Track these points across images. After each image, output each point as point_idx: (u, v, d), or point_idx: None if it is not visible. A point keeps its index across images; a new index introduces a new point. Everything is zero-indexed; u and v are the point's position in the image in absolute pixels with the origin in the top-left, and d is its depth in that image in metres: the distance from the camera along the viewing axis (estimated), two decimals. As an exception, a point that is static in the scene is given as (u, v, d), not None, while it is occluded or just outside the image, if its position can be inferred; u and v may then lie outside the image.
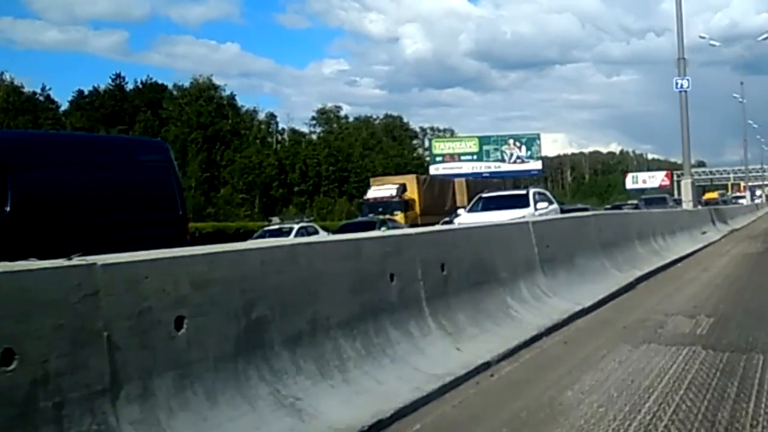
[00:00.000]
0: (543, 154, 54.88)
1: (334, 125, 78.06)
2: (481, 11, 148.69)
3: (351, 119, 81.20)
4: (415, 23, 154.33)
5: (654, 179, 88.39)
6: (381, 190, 34.26)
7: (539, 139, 52.52)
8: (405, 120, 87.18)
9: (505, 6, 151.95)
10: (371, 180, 39.77)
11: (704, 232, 14.26)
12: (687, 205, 19.18)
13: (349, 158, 68.33)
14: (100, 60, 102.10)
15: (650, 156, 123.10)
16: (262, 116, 74.72)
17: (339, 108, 77.89)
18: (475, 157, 51.51)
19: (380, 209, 30.77)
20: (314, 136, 74.09)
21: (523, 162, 51.80)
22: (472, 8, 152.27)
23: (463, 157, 51.47)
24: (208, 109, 63.37)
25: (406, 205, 32.34)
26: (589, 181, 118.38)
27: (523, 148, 51.65)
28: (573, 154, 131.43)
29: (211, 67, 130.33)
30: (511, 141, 51.92)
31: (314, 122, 75.46)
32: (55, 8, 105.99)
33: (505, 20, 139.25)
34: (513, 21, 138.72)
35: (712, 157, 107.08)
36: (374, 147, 76.62)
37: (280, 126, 76.69)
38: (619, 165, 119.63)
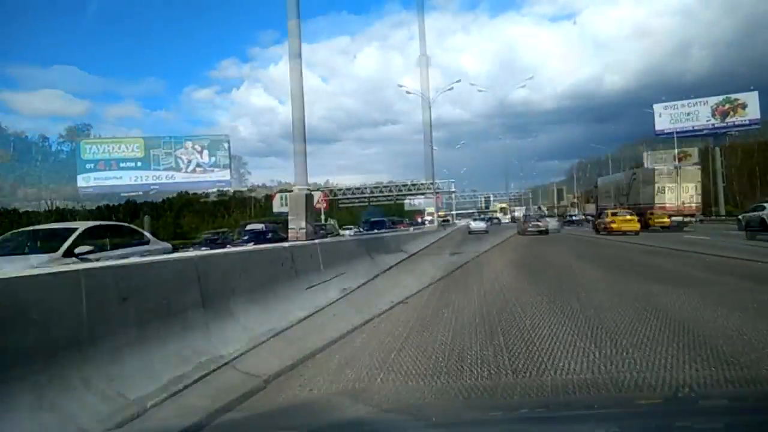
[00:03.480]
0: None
1: None
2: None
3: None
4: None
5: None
6: None
7: (227, 141, 41.03)
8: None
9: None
10: None
11: None
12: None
13: None
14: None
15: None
16: None
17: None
18: (140, 164, 37.95)
19: None
20: None
21: (205, 171, 39.84)
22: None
23: (123, 164, 37.44)
24: None
25: None
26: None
27: (206, 152, 39.83)
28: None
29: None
30: (188, 143, 39.68)
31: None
32: None
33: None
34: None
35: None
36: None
37: None
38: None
